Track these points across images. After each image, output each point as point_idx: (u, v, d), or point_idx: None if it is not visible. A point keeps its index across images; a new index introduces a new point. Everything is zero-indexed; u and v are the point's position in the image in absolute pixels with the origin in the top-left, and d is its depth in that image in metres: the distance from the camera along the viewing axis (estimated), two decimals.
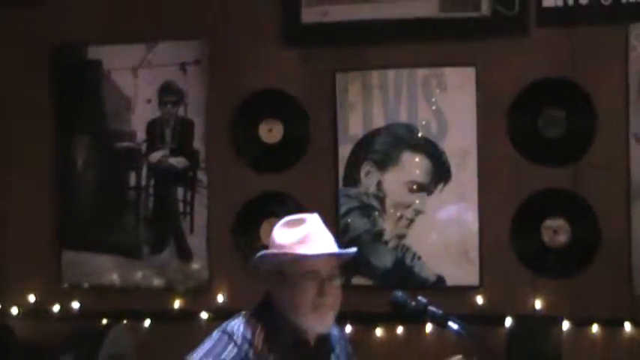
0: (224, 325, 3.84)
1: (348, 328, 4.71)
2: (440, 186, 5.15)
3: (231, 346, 3.75)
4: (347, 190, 5.24)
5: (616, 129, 4.94)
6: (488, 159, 5.10)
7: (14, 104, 5.62)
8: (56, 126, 5.58)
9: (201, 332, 3.93)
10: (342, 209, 5.22)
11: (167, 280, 5.49)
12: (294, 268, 3.80)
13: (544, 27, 5.02)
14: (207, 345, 3.77)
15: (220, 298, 5.34)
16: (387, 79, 5.19)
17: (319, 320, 3.82)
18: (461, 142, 5.13)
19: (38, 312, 5.53)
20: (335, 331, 4.03)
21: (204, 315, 5.32)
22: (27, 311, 5.53)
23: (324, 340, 3.96)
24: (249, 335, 3.79)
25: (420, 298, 3.94)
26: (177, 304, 5.44)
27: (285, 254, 3.79)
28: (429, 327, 5.05)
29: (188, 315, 5.36)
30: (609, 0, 4.92)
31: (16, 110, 5.62)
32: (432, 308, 3.91)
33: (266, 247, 4.00)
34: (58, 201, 5.61)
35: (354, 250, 4.03)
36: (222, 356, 3.71)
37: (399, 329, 5.14)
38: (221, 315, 4.50)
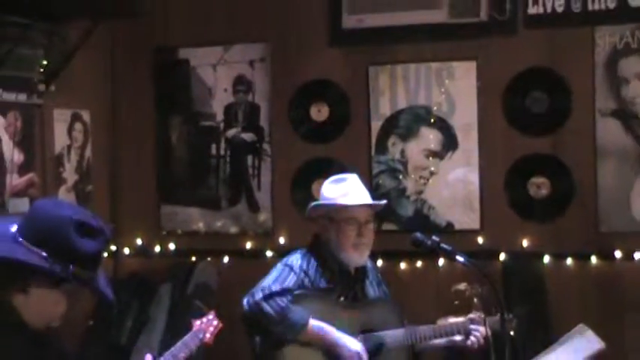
0: (285, 259, 4.08)
1: (379, 262, 4.71)
2: (449, 153, 5.22)
3: (291, 275, 3.95)
4: (378, 156, 5.31)
5: (585, 106, 5.00)
6: (486, 131, 5.16)
7: (125, 94, 5.71)
8: (156, 110, 5.69)
9: (267, 267, 4.16)
10: (374, 171, 5.28)
11: (240, 227, 5.56)
12: (339, 215, 4.02)
13: (529, 29, 5.07)
14: (273, 274, 3.96)
15: (281, 240, 5.42)
16: (409, 71, 5.26)
17: (358, 255, 4.05)
18: (465, 119, 5.18)
19: (144, 252, 5.64)
20: (369, 264, 4.24)
21: (269, 253, 5.39)
22: (135, 251, 5.64)
23: (361, 270, 4.22)
24: (305, 266, 4.01)
25: (434, 237, 4.06)
26: (248, 245, 5.52)
27: (334, 205, 4.01)
28: (441, 261, 5.12)
29: (257, 253, 5.44)
30: (579, 9, 4.93)
31: (126, 99, 5.72)
32: (444, 245, 4.00)
33: (316, 200, 4.21)
34: (158, 167, 5.71)
35: (384, 202, 4.29)
36: (285, 283, 3.90)
37: (418, 263, 5.21)
38: (282, 253, 4.61)
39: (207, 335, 3.43)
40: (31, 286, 2.87)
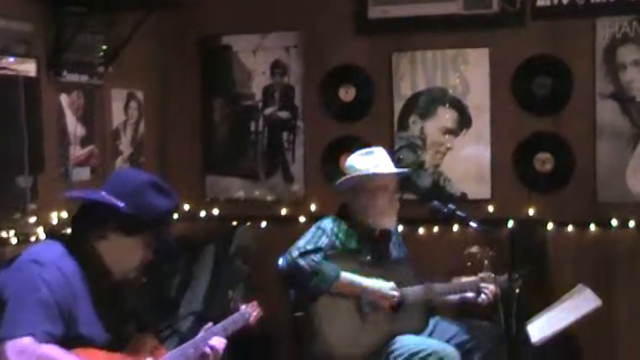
0: (318, 223, 4.18)
1: (400, 227, 4.62)
2: (464, 130, 5.22)
3: (324, 237, 4.05)
4: (399, 133, 5.31)
5: (586, 89, 4.99)
6: (497, 111, 5.16)
7: (174, 76, 5.71)
8: (201, 90, 5.69)
9: (300, 231, 4.26)
10: (396, 147, 5.28)
11: (276, 196, 5.58)
12: (373, 184, 4.11)
13: (537, 20, 5.06)
14: (307, 236, 4.07)
15: (312, 207, 5.43)
16: (427, 57, 5.25)
17: (389, 219, 4.15)
18: (478, 100, 5.18)
19: (190, 217, 5.65)
20: (392, 228, 4.39)
21: (301, 219, 5.41)
22: (183, 216, 5.58)
23: (386, 233, 4.32)
24: (335, 230, 4.10)
25: (450, 205, 4.21)
26: (283, 211, 5.54)
27: (369, 174, 4.10)
28: (455, 227, 5.15)
29: (290, 219, 5.47)
30: (583, 1, 4.93)
31: (175, 80, 5.71)
32: (458, 213, 4.17)
33: (343, 172, 4.30)
34: (203, 142, 5.72)
35: (409, 170, 4.44)
36: (318, 243, 4.00)
37: (435, 228, 5.24)
38: (313, 219, 4.71)
39: (251, 318, 3.56)
40: (110, 231, 3.00)
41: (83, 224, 3.06)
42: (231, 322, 3.43)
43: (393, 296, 4.07)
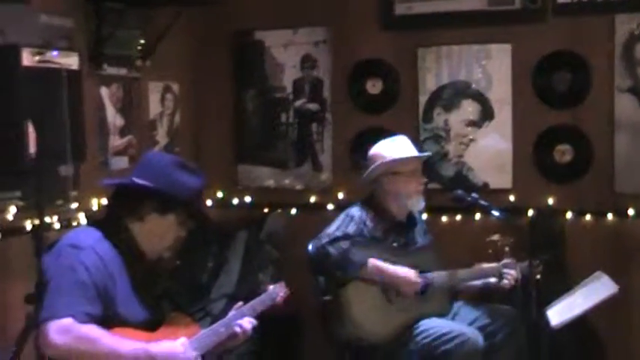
0: (346, 210, 4.20)
1: (424, 216, 4.68)
2: (486, 122, 5.20)
3: (352, 224, 4.07)
4: (424, 125, 5.30)
5: (605, 83, 4.95)
6: (518, 105, 5.13)
7: (207, 72, 5.71)
8: (234, 84, 5.70)
9: (328, 218, 4.31)
10: (421, 138, 5.26)
11: (305, 184, 5.59)
12: (404, 167, 4.13)
13: (558, 16, 5.02)
14: (336, 223, 4.10)
15: (340, 196, 5.42)
16: (452, 52, 5.23)
17: (417, 202, 4.16)
18: (500, 93, 5.15)
19: (223, 204, 5.68)
20: (418, 215, 4.41)
21: (329, 207, 5.41)
22: (216, 203, 5.66)
23: (411, 220, 4.32)
24: (363, 217, 4.12)
25: (473, 194, 4.25)
26: (312, 199, 5.55)
27: (400, 159, 4.12)
28: (477, 216, 5.13)
29: (319, 207, 5.48)
30: None
31: (208, 75, 5.72)
32: (481, 201, 4.19)
33: (368, 164, 4.28)
34: (235, 132, 5.74)
35: (431, 153, 4.52)
36: (347, 230, 4.03)
37: (457, 217, 5.22)
38: (341, 207, 4.75)
39: (279, 298, 3.57)
40: (145, 212, 3.03)
41: (118, 209, 3.10)
42: (260, 302, 3.45)
43: (418, 284, 4.06)
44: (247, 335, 3.32)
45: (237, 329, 3.26)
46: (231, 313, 3.31)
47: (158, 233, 3.07)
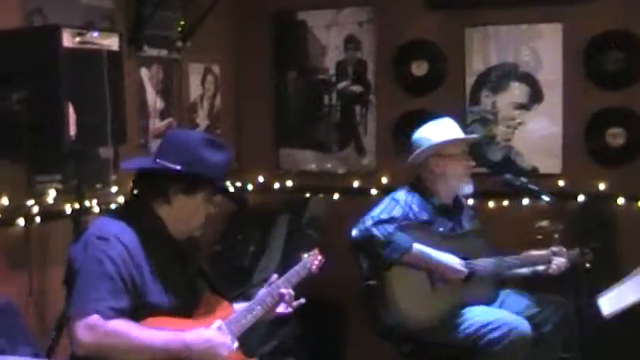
0: (392, 194, 4.19)
1: (470, 201, 4.69)
2: (535, 105, 5.15)
3: (397, 207, 4.07)
4: (471, 107, 5.27)
5: None
6: (569, 86, 5.08)
7: (248, 53, 5.73)
8: (276, 65, 5.72)
9: (371, 202, 4.28)
10: (468, 121, 5.24)
11: (348, 168, 5.60)
12: (452, 150, 4.13)
13: None
14: (381, 206, 4.09)
15: (384, 180, 5.42)
16: (500, 32, 5.19)
17: (465, 185, 4.16)
18: (550, 75, 5.10)
19: (264, 188, 5.72)
20: (464, 200, 4.39)
21: (373, 191, 5.41)
22: (257, 188, 5.72)
23: (458, 205, 4.29)
24: (409, 201, 4.11)
25: (522, 178, 4.25)
26: (355, 183, 5.54)
27: (448, 141, 4.11)
28: (525, 201, 5.08)
29: (362, 191, 5.48)
30: None
31: (249, 57, 5.74)
32: (531, 186, 4.19)
33: (415, 145, 4.26)
34: (276, 115, 5.76)
35: (478, 135, 4.54)
36: (392, 214, 4.02)
37: (505, 202, 5.19)
38: (384, 191, 4.77)
39: (314, 267, 3.56)
40: (172, 194, 3.00)
41: (143, 192, 3.08)
42: (295, 273, 3.44)
43: (462, 272, 4.05)
44: (286, 304, 3.30)
45: (273, 304, 3.25)
46: (266, 289, 3.29)
47: (186, 214, 3.03)
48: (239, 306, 3.24)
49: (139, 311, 2.87)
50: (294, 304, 3.35)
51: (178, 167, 2.96)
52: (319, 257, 3.58)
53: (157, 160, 3.02)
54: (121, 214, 3.07)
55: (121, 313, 2.80)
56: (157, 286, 2.93)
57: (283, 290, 3.31)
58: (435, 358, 4.22)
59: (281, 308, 3.35)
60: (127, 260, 2.86)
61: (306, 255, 3.56)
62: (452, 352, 4.12)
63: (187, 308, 3.05)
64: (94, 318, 2.74)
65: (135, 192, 3.12)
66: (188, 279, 3.13)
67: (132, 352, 2.76)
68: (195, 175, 2.97)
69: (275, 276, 3.36)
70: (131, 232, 2.93)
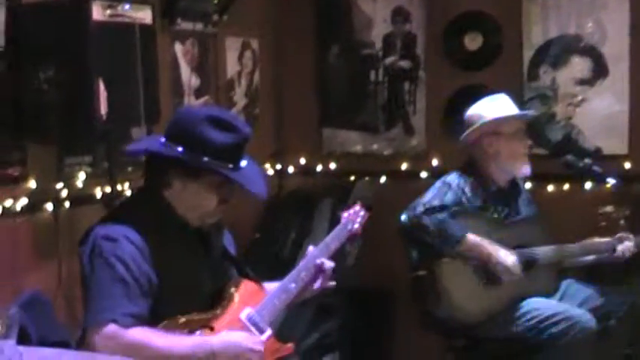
0: (443, 178, 4.16)
1: (528, 184, 4.65)
2: (599, 80, 5.09)
3: (449, 193, 4.02)
4: (529, 83, 5.21)
5: None
6: (636, 59, 4.99)
7: (289, 26, 5.71)
8: (318, 40, 5.69)
9: (421, 187, 4.27)
10: (526, 98, 5.18)
11: (396, 149, 5.57)
12: (508, 128, 4.09)
13: None
14: (432, 192, 4.05)
15: (435, 162, 5.39)
16: (561, 2, 5.11)
17: (522, 166, 4.12)
18: (616, 48, 5.03)
19: (307, 171, 5.71)
20: (521, 183, 4.35)
21: (423, 174, 5.38)
22: (299, 170, 5.71)
23: (514, 189, 4.26)
24: (462, 185, 4.07)
25: (585, 160, 4.21)
26: (403, 166, 5.52)
27: (504, 117, 4.07)
28: (588, 184, 5.02)
29: (412, 174, 5.44)
30: None
31: (290, 30, 5.71)
32: (595, 168, 4.17)
33: (468, 125, 4.23)
34: (319, 93, 5.73)
35: (537, 113, 4.49)
36: (444, 200, 3.98)
37: (565, 186, 5.13)
38: (435, 174, 4.74)
39: (356, 226, 3.44)
40: (174, 179, 2.93)
41: (150, 179, 3.05)
42: (335, 237, 3.35)
43: (517, 276, 4.00)
44: (327, 277, 3.22)
45: (309, 279, 3.17)
46: (301, 263, 3.22)
47: (192, 199, 2.96)
48: (271, 285, 3.19)
49: (160, 310, 2.85)
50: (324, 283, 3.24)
51: (180, 149, 2.91)
52: (362, 213, 3.48)
53: (162, 141, 2.98)
54: (128, 207, 3.06)
55: (139, 319, 2.77)
56: (176, 280, 2.90)
57: (319, 261, 3.22)
58: (490, 353, 4.20)
59: (319, 283, 3.25)
60: (139, 260, 2.83)
61: (345, 214, 3.44)
62: (508, 348, 4.11)
63: (214, 297, 3.02)
64: (112, 328, 2.71)
65: (144, 176, 3.10)
66: (212, 265, 3.09)
67: None
68: (198, 159, 2.90)
69: (311, 247, 3.28)
70: (141, 227, 2.89)
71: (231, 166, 2.94)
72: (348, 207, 3.49)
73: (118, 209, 3.17)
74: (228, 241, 3.25)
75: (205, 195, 2.97)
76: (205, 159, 2.89)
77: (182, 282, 2.92)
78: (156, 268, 2.86)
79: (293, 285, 3.15)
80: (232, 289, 3.07)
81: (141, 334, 2.75)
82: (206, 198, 2.98)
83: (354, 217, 3.46)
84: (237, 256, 3.27)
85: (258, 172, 3.10)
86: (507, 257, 4.00)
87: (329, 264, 3.24)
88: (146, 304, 2.81)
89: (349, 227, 3.42)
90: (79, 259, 2.94)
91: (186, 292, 2.92)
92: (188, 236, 3.02)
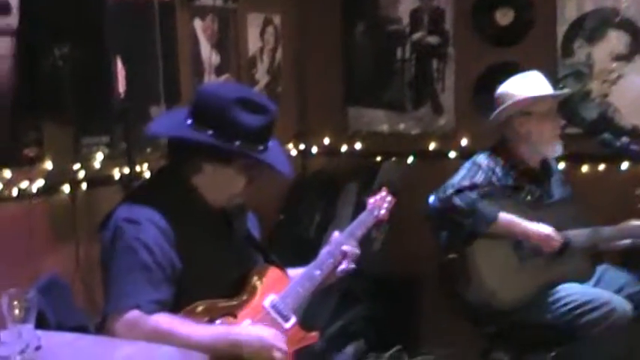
0: (473, 158, 4.14)
1: (561, 165, 4.62)
2: (637, 56, 5.03)
3: (480, 173, 4.01)
4: (563, 59, 5.16)
5: None
6: None
7: (312, 3, 5.71)
8: (342, 15, 5.68)
9: (450, 168, 4.24)
10: (560, 75, 5.13)
11: (424, 129, 5.56)
12: (539, 107, 4.08)
13: None
14: (462, 172, 4.04)
15: (464, 142, 5.37)
16: None
17: (554, 147, 4.10)
18: None
19: (331, 151, 5.72)
20: (554, 164, 4.33)
21: (452, 155, 5.39)
22: (323, 151, 5.72)
23: (547, 169, 4.24)
24: (492, 165, 4.05)
25: (623, 138, 4.18)
26: (431, 146, 5.51)
27: (535, 97, 4.04)
28: (624, 165, 4.98)
29: (440, 154, 5.44)
30: None
31: (314, 5, 5.71)
32: (633, 147, 4.12)
33: (497, 104, 4.20)
34: (344, 71, 5.72)
35: (571, 91, 4.45)
36: (475, 179, 3.97)
37: (601, 166, 5.10)
38: (465, 155, 4.72)
39: (382, 211, 3.44)
40: (203, 163, 2.93)
41: (175, 161, 3.03)
42: (359, 223, 3.35)
43: (557, 241, 3.98)
44: (353, 262, 3.22)
45: (335, 265, 3.16)
46: (326, 249, 3.21)
47: (222, 183, 2.97)
48: (295, 272, 3.18)
49: (182, 296, 2.84)
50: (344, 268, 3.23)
51: (209, 133, 2.90)
52: (388, 198, 3.47)
53: (188, 122, 2.96)
54: (151, 189, 3.06)
55: (163, 306, 2.76)
56: (199, 266, 2.89)
57: (346, 248, 3.22)
58: (524, 340, 4.18)
59: (341, 266, 3.23)
60: (162, 244, 2.82)
61: (372, 200, 3.44)
62: (542, 335, 4.09)
63: (237, 283, 3.01)
64: (134, 314, 2.71)
65: (168, 157, 3.09)
66: (236, 249, 3.08)
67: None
68: (228, 143, 2.89)
69: (336, 232, 3.27)
70: (164, 210, 2.88)
71: (261, 148, 2.94)
72: (374, 192, 3.47)
73: (139, 191, 3.17)
74: (253, 225, 3.24)
75: (235, 178, 2.98)
76: (237, 143, 2.89)
77: (206, 267, 2.91)
78: (180, 252, 2.86)
79: (318, 272, 3.15)
80: (256, 276, 3.07)
81: (165, 321, 2.74)
82: (236, 181, 2.99)
83: (380, 202, 3.46)
84: (261, 241, 3.25)
85: (281, 150, 3.11)
86: (544, 227, 3.99)
87: (355, 251, 3.24)
88: (169, 289, 2.81)
89: (375, 213, 3.42)
90: (100, 243, 2.94)
91: (211, 278, 2.92)
92: (212, 220, 3.02)
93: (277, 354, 2.85)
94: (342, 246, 3.21)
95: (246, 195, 3.08)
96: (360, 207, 5.23)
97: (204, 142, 2.89)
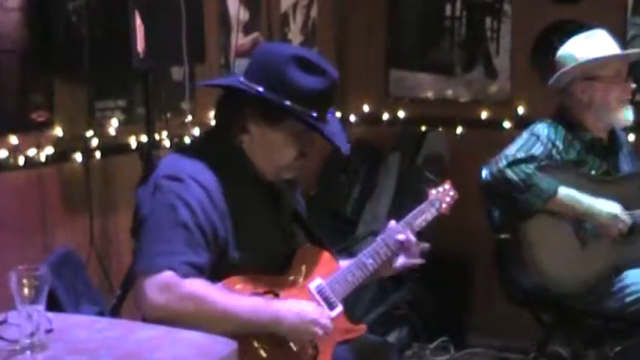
0: (531, 127, 4.11)
1: (631, 137, 4.64)
2: None
3: (538, 144, 3.98)
4: (633, 18, 5.16)
5: None
6: None
7: None
8: None
9: (504, 138, 4.24)
10: (629, 35, 5.14)
11: (475, 95, 5.58)
12: (605, 70, 4.04)
13: None
14: (518, 142, 4.01)
15: (520, 110, 5.39)
16: None
17: (622, 116, 4.06)
18: None
19: (371, 119, 5.74)
20: (623, 135, 4.30)
21: (506, 124, 5.39)
22: (362, 118, 5.74)
23: (615, 141, 4.20)
24: (552, 136, 4.02)
25: None
26: (483, 114, 5.53)
27: (601, 58, 4.00)
28: None
29: (493, 123, 5.44)
30: None
31: None
32: None
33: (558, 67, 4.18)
34: (388, 30, 5.75)
35: None
36: (532, 151, 3.94)
37: None
38: (521, 124, 4.69)
39: (444, 205, 3.44)
40: (250, 122, 2.94)
41: (223, 121, 3.04)
42: (419, 213, 3.33)
43: (625, 223, 3.95)
44: (411, 254, 3.22)
45: (390, 255, 3.16)
46: (380, 237, 3.19)
47: (269, 148, 2.95)
48: (344, 262, 3.20)
49: (221, 268, 2.85)
50: (419, 249, 3.24)
51: (260, 88, 2.92)
52: (451, 193, 3.48)
53: (240, 79, 2.99)
54: (197, 148, 3.06)
55: (199, 271, 2.76)
56: (243, 236, 2.90)
57: (401, 237, 3.22)
58: (583, 330, 4.19)
59: (401, 260, 3.23)
60: (206, 206, 2.82)
61: (434, 191, 3.45)
62: (606, 327, 4.08)
63: (281, 262, 3.02)
64: (167, 275, 2.70)
65: (216, 118, 3.10)
66: (282, 226, 3.09)
67: (212, 320, 2.71)
68: (279, 101, 2.89)
69: (392, 222, 3.26)
70: (211, 170, 2.89)
71: (315, 114, 2.94)
72: (436, 184, 3.48)
73: (184, 149, 3.18)
74: (300, 205, 3.25)
75: (284, 144, 2.97)
76: (288, 102, 2.90)
77: (252, 238, 2.92)
78: (224, 217, 2.87)
79: (370, 261, 3.14)
80: (303, 256, 3.08)
81: (200, 286, 2.75)
82: (284, 148, 2.97)
83: (442, 196, 3.46)
84: (309, 221, 3.27)
85: (339, 124, 3.09)
86: (610, 205, 3.97)
87: (412, 240, 3.23)
88: (208, 255, 2.81)
89: (437, 206, 3.42)
90: (136, 200, 2.95)
91: (255, 251, 2.92)
92: (261, 190, 3.03)
93: (319, 330, 2.86)
94: (397, 235, 3.21)
95: (299, 171, 3.09)
96: (402, 181, 5.34)
97: (250, 93, 2.91)
